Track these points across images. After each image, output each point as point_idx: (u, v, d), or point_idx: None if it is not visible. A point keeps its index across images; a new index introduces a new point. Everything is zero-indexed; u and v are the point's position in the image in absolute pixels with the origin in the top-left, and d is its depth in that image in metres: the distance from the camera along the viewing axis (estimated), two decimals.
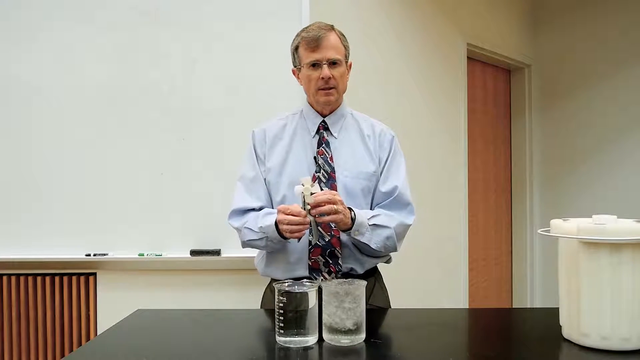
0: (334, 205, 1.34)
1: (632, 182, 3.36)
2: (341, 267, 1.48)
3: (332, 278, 1.46)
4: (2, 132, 2.17)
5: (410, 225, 1.55)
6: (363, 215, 1.44)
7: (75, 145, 2.16)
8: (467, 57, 3.22)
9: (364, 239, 1.44)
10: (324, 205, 1.33)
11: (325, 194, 1.35)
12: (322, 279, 1.46)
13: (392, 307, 1.62)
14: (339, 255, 1.48)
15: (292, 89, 2.09)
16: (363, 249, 1.50)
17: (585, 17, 3.58)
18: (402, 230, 1.54)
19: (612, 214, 1.09)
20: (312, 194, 1.33)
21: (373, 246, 1.46)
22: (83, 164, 2.15)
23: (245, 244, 1.52)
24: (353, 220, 1.41)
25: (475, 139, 3.41)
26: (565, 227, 1.10)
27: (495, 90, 3.73)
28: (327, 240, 1.47)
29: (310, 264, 1.48)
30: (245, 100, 2.13)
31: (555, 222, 1.14)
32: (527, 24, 3.81)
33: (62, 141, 2.16)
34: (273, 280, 1.57)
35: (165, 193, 2.14)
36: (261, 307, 1.62)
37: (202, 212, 2.13)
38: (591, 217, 1.10)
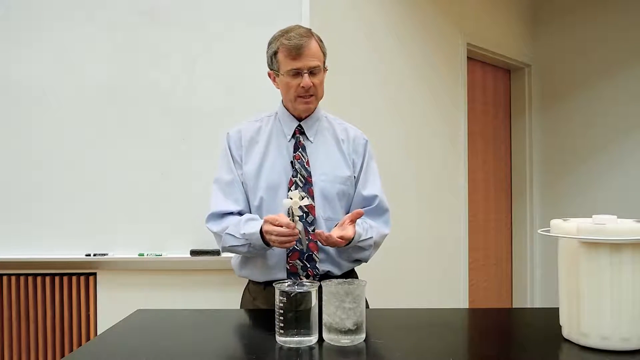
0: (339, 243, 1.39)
1: (632, 182, 3.36)
2: (318, 270, 1.49)
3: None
4: (2, 132, 2.17)
5: (388, 234, 1.61)
6: (355, 240, 1.46)
7: (75, 145, 2.16)
8: (467, 57, 3.22)
9: (342, 249, 1.48)
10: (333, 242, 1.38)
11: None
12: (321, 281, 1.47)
13: (370, 307, 1.63)
14: (317, 259, 1.49)
15: None
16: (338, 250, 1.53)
17: (585, 17, 3.58)
18: (380, 241, 1.59)
19: (612, 214, 1.09)
20: (300, 206, 1.34)
21: (342, 257, 1.52)
22: (83, 164, 2.15)
23: (226, 249, 1.53)
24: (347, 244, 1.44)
25: (475, 139, 3.41)
26: (565, 227, 1.10)
27: (495, 90, 3.72)
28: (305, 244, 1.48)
29: (288, 267, 1.49)
30: (245, 100, 2.13)
31: (555, 222, 1.14)
32: (527, 24, 3.81)
33: (62, 141, 2.16)
34: (251, 281, 1.59)
35: (165, 193, 2.14)
36: (240, 307, 1.63)
37: (202, 212, 2.11)
38: (591, 217, 1.10)
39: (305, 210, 1.47)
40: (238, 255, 1.59)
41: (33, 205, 2.16)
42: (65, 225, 2.14)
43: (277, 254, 1.49)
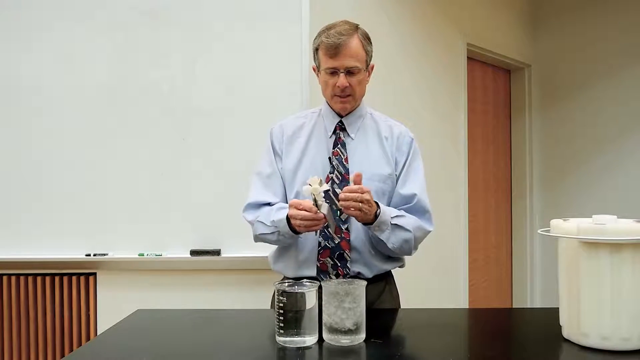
0: (360, 204, 1.33)
1: (632, 182, 3.36)
2: (349, 270, 1.47)
3: None
4: (2, 132, 2.17)
5: (430, 231, 1.54)
6: (387, 213, 1.43)
7: (75, 145, 2.16)
8: (467, 57, 3.22)
9: (382, 236, 1.42)
10: (350, 201, 1.32)
11: (354, 190, 1.33)
12: (321, 281, 1.46)
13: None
14: (348, 259, 1.47)
15: (292, 88, 2.10)
16: (377, 246, 1.48)
17: (585, 17, 3.58)
18: (421, 235, 1.52)
19: (612, 214, 1.09)
20: (321, 192, 1.32)
21: (389, 245, 1.44)
22: (83, 164, 2.15)
23: (258, 237, 1.53)
24: (377, 216, 1.39)
25: (475, 139, 3.41)
26: (565, 227, 1.10)
27: (495, 90, 3.72)
28: (336, 242, 1.46)
29: (318, 265, 1.48)
30: (245, 100, 2.13)
31: (555, 222, 1.14)
32: (527, 24, 3.81)
33: (62, 141, 2.16)
34: (285, 278, 1.57)
35: (165, 193, 2.14)
36: (271, 307, 1.61)
37: (202, 212, 2.13)
38: (591, 217, 1.10)
39: (329, 195, 1.43)
40: (274, 248, 1.59)
41: (33, 205, 2.15)
42: (65, 225, 2.14)
43: (308, 249, 1.48)
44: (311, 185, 1.32)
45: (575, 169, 3.63)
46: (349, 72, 1.47)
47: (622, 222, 1.09)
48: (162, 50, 2.15)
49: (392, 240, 1.44)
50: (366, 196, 1.34)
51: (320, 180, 1.33)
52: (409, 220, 1.48)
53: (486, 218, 3.57)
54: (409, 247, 1.49)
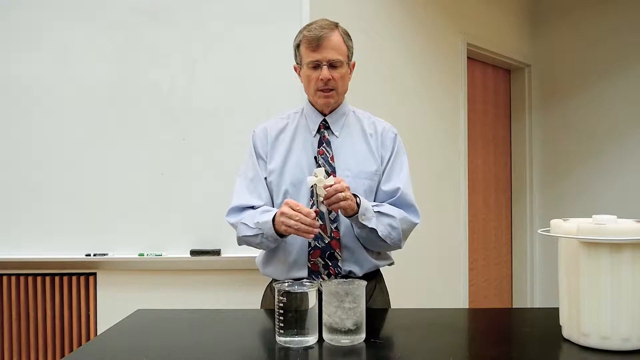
0: (342, 193, 1.32)
1: (632, 182, 3.36)
2: (340, 269, 1.47)
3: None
4: (2, 132, 2.17)
5: (417, 223, 1.54)
6: (367, 201, 1.43)
7: (75, 145, 2.16)
8: (467, 57, 3.22)
9: (371, 224, 1.41)
10: (334, 196, 1.32)
11: (334, 184, 1.33)
12: (321, 281, 1.46)
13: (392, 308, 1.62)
14: (339, 258, 1.47)
15: (292, 88, 2.10)
16: (367, 244, 1.48)
17: (585, 17, 3.58)
18: (407, 227, 1.51)
19: (612, 214, 1.09)
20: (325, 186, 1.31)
21: (379, 232, 1.42)
22: (83, 164, 2.15)
23: (241, 239, 1.51)
24: (358, 205, 1.39)
25: (475, 139, 3.41)
26: (565, 227, 1.10)
27: (495, 90, 3.72)
28: (327, 242, 1.46)
29: (309, 265, 1.47)
30: (245, 100, 2.13)
31: (555, 222, 1.14)
32: (527, 24, 3.81)
33: (62, 141, 2.16)
34: (274, 280, 1.57)
35: (165, 193, 2.14)
36: (261, 307, 1.62)
37: (202, 212, 2.13)
38: (591, 217, 1.10)
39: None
40: (262, 253, 1.58)
41: (33, 205, 2.16)
42: (65, 225, 2.14)
43: (297, 251, 1.47)
44: (317, 175, 1.30)
45: (575, 169, 3.63)
46: (332, 65, 1.47)
47: (622, 222, 1.09)
48: (162, 50, 2.15)
49: (380, 227, 1.43)
50: (343, 183, 1.34)
51: (327, 171, 1.30)
52: (390, 208, 1.48)
53: (486, 218, 3.57)
54: (398, 234, 1.47)
